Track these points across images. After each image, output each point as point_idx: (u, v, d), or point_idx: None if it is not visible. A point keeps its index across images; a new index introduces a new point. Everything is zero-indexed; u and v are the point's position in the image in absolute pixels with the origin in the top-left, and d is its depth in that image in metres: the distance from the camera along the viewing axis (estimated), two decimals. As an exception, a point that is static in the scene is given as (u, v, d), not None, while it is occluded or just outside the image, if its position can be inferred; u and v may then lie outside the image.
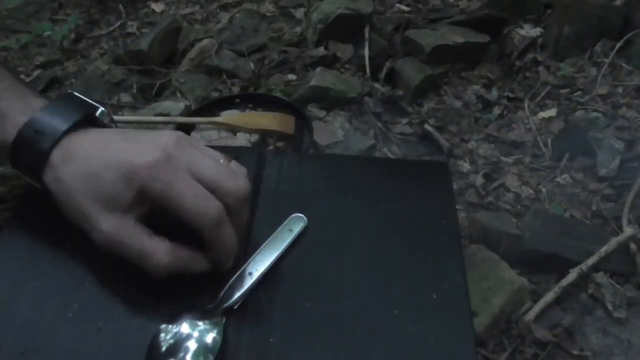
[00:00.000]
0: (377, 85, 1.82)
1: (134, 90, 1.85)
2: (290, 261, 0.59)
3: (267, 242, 0.59)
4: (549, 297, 1.18)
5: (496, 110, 1.77)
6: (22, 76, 2.01)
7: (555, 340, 1.13)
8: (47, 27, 2.25)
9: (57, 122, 0.45)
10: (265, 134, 0.89)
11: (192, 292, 0.55)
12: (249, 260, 0.57)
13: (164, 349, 0.48)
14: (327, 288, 0.57)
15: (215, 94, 1.82)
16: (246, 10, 2.33)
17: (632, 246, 1.28)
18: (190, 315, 0.50)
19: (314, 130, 0.89)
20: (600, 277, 1.23)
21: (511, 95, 1.82)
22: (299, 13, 2.24)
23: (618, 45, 1.84)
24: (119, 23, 2.33)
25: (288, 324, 0.54)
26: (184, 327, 0.49)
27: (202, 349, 0.48)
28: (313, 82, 1.72)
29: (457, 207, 1.44)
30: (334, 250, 0.60)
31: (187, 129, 0.89)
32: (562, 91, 1.80)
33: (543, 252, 1.26)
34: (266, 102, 0.94)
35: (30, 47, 2.17)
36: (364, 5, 1.98)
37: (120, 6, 2.40)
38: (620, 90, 1.77)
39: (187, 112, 1.48)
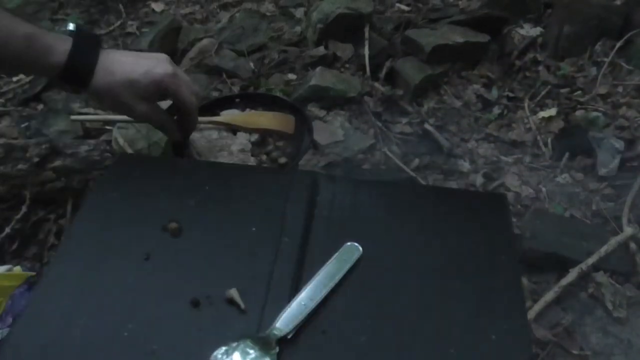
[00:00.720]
0: (377, 85, 1.82)
1: (134, 90, 1.85)
2: (345, 292, 0.58)
3: (321, 271, 0.58)
4: (548, 296, 1.18)
5: (496, 110, 1.77)
6: (22, 75, 2.01)
7: (556, 340, 1.13)
8: (47, 26, 2.25)
9: (91, 47, 0.73)
10: (265, 134, 0.89)
11: (247, 319, 0.55)
12: (303, 290, 0.56)
13: None
14: (383, 322, 0.55)
15: (215, 94, 1.82)
16: (246, 10, 2.33)
17: (632, 246, 1.28)
18: (244, 343, 0.51)
19: (314, 130, 0.88)
20: (600, 277, 1.23)
21: (511, 95, 1.82)
22: (299, 13, 2.23)
23: (618, 45, 1.84)
24: (119, 23, 2.32)
25: (342, 357, 0.52)
26: (236, 356, 0.50)
27: None
28: (313, 82, 1.72)
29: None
30: (390, 283, 0.59)
31: (187, 128, 0.89)
32: (562, 91, 1.80)
33: (543, 252, 1.26)
34: (266, 102, 0.94)
35: (30, 46, 2.17)
36: (364, 4, 1.98)
37: (120, 6, 2.39)
38: (620, 90, 1.77)
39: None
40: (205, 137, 0.87)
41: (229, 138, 0.87)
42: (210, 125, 0.89)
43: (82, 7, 2.46)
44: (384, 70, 1.87)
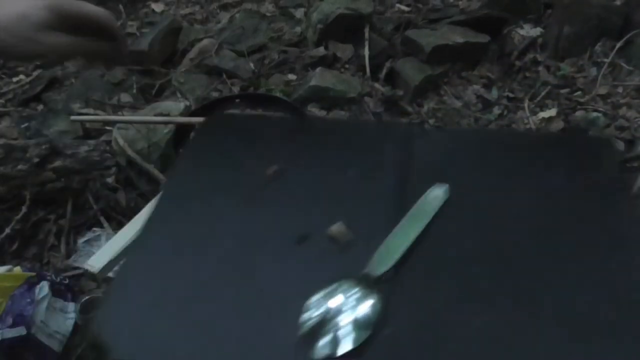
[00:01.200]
0: (377, 85, 1.82)
1: (134, 90, 1.85)
2: (439, 229, 0.59)
3: (411, 211, 0.59)
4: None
5: (496, 110, 1.77)
6: (22, 76, 2.01)
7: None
8: (47, 27, 2.24)
9: None
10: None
11: (348, 257, 0.57)
12: (398, 228, 0.58)
13: (320, 313, 0.50)
14: (486, 255, 0.55)
15: (215, 94, 1.82)
16: (246, 10, 2.33)
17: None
18: (346, 283, 0.52)
19: (314, 130, 0.88)
20: None
21: (511, 95, 1.82)
22: (299, 13, 2.23)
23: (618, 45, 1.84)
24: (119, 23, 2.32)
25: (448, 292, 0.54)
26: (339, 297, 0.51)
27: (362, 315, 0.49)
28: (313, 82, 1.71)
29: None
30: (481, 223, 0.59)
31: (187, 129, 0.89)
32: (562, 91, 1.80)
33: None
34: (266, 102, 0.94)
35: (30, 47, 2.16)
36: (364, 5, 1.98)
37: (120, 6, 2.39)
38: (620, 90, 1.77)
39: (187, 112, 1.48)
40: (205, 137, 0.87)
41: (229, 138, 0.87)
42: (210, 126, 0.89)
43: (82, 7, 2.46)
44: (384, 71, 1.87)
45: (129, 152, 1.48)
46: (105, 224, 1.36)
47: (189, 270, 0.57)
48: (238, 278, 0.56)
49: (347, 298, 0.51)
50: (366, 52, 1.88)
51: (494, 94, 1.83)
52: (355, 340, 0.48)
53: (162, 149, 1.49)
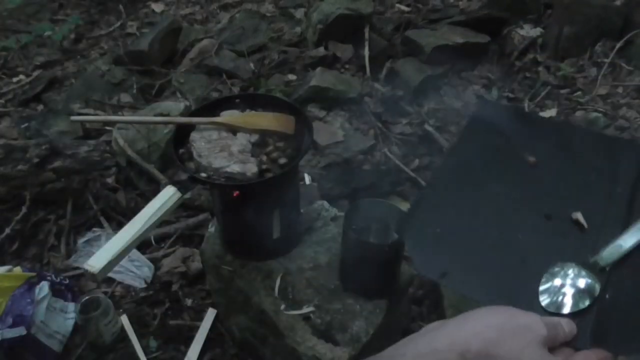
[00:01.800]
0: (377, 85, 1.82)
1: (134, 90, 1.85)
2: None
3: None
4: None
5: (496, 111, 1.77)
6: (22, 76, 2.01)
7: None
8: (47, 27, 2.25)
9: None
10: (265, 134, 0.89)
11: (584, 240, 0.74)
12: (629, 230, 0.69)
13: (553, 283, 0.67)
14: None
15: (215, 94, 1.82)
16: (246, 11, 2.33)
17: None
18: (577, 266, 0.68)
19: (314, 131, 0.88)
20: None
21: (511, 95, 1.82)
22: (299, 13, 2.24)
23: (618, 45, 1.84)
24: (119, 23, 2.33)
25: None
26: (571, 272, 0.68)
27: (583, 290, 0.66)
28: (313, 82, 1.71)
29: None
30: None
31: (187, 129, 0.89)
32: (562, 91, 1.80)
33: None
34: (266, 102, 0.94)
35: (30, 47, 2.17)
36: (364, 5, 1.98)
37: (120, 6, 2.40)
38: (620, 90, 1.77)
39: (187, 112, 1.48)
40: (205, 137, 0.87)
41: (229, 138, 0.87)
42: (210, 126, 0.89)
43: (82, 7, 2.46)
44: (384, 71, 1.87)
45: (129, 152, 1.48)
46: (105, 224, 1.36)
47: (465, 219, 0.79)
48: (499, 233, 0.77)
49: (575, 275, 0.68)
50: (366, 52, 1.89)
51: (494, 94, 1.83)
52: (573, 306, 0.66)
53: (162, 149, 1.49)
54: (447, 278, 0.76)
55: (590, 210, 0.78)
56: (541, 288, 0.68)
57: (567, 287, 0.68)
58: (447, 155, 0.97)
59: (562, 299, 0.67)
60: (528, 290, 0.67)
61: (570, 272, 0.68)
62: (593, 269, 0.68)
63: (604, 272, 0.68)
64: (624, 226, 0.73)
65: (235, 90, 1.82)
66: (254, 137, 0.89)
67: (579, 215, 0.77)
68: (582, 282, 0.67)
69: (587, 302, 0.66)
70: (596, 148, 0.93)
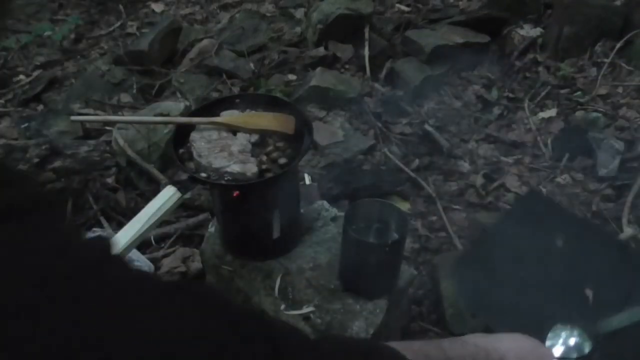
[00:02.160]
0: (377, 85, 1.82)
1: (134, 90, 1.85)
2: None
3: None
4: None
5: (496, 111, 1.77)
6: (22, 76, 2.01)
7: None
8: (47, 27, 2.25)
9: None
10: (265, 134, 0.89)
11: (590, 310, 0.88)
12: (627, 312, 0.81)
13: (559, 333, 0.81)
14: None
15: (215, 94, 1.82)
16: (246, 11, 2.33)
17: (633, 246, 1.28)
18: (578, 327, 0.81)
19: (314, 131, 0.88)
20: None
21: (511, 95, 1.82)
22: (299, 13, 2.24)
23: (618, 45, 1.84)
24: (119, 23, 2.33)
25: None
26: (568, 331, 0.81)
27: (577, 345, 0.80)
28: (313, 82, 1.71)
29: (457, 207, 1.44)
30: None
31: (187, 129, 0.89)
32: (562, 91, 1.80)
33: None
34: (266, 102, 0.94)
35: (30, 47, 2.17)
36: (364, 5, 1.98)
37: (120, 6, 2.40)
38: (620, 90, 1.77)
39: (187, 112, 1.48)
40: (205, 137, 0.87)
41: (229, 138, 0.87)
42: (210, 126, 0.89)
43: (82, 7, 2.46)
44: (384, 71, 1.87)
45: (129, 152, 1.48)
46: (105, 224, 1.36)
47: (512, 266, 0.94)
48: (533, 280, 0.93)
49: (575, 334, 0.81)
50: (366, 52, 1.89)
51: (494, 94, 1.83)
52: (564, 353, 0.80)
53: (162, 149, 1.49)
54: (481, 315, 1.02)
55: (600, 288, 0.92)
56: (550, 337, 0.84)
57: (568, 340, 0.83)
58: (495, 224, 1.23)
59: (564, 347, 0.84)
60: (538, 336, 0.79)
61: (575, 331, 0.82)
62: (593, 334, 0.81)
63: (600, 336, 0.81)
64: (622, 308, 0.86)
65: (235, 90, 1.82)
66: (254, 137, 0.89)
67: (589, 292, 0.91)
68: (573, 341, 0.81)
69: (574, 356, 0.80)
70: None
